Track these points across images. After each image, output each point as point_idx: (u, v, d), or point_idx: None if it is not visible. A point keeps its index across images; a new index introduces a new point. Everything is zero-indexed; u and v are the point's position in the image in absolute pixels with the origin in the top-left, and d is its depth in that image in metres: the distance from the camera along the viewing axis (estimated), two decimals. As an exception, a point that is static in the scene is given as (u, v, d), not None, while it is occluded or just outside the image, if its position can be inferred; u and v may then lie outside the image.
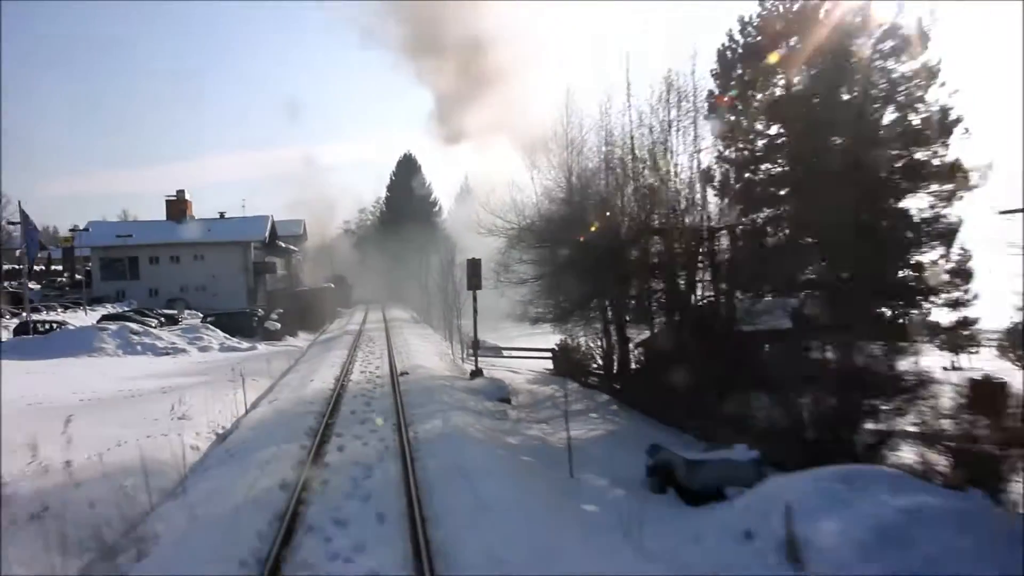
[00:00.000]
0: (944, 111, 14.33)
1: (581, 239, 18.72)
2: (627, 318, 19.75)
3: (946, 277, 13.66)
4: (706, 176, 19.89)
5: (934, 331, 13.18)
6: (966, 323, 13.01)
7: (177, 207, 59.50)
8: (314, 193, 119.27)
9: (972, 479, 8.11)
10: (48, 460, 9.28)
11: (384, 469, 9.13)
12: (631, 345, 20.50)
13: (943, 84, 14.50)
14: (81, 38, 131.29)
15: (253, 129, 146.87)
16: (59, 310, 42.21)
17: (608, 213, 18.31)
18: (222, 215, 61.52)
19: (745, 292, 17.77)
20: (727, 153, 19.48)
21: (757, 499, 7.56)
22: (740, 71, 20.36)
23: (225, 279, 52.58)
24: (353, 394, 15.72)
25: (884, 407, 11.53)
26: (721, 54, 20.68)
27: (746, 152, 19.19)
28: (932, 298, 13.77)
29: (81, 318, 38.18)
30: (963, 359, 19.95)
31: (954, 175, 13.33)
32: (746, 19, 20.27)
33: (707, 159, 19.47)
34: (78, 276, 61.36)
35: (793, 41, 17.97)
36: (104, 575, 6.86)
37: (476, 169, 68.95)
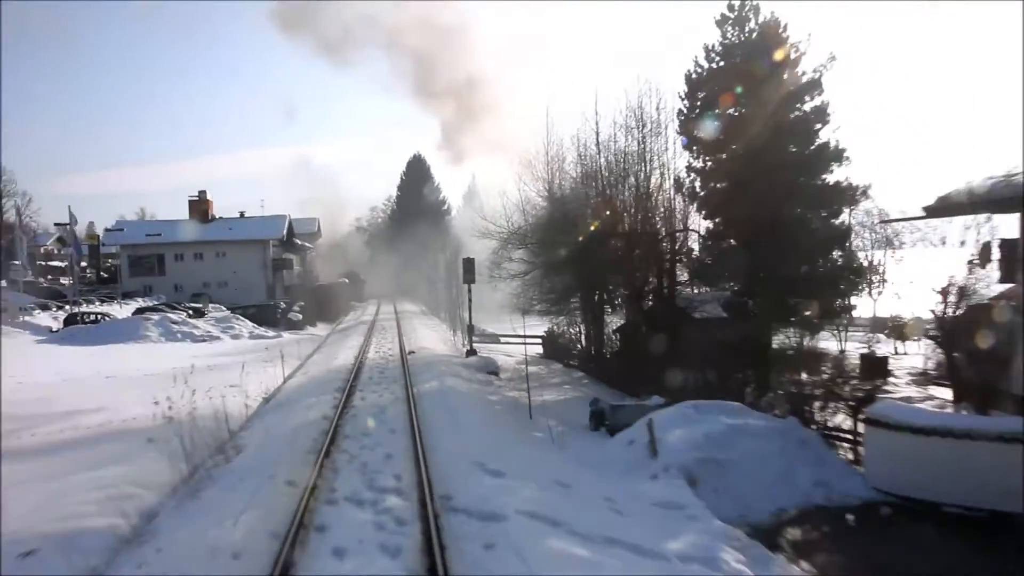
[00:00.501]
0: (836, 147, 18.22)
1: (559, 242, 22.56)
2: (600, 309, 23.61)
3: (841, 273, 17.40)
4: (678, 185, 23.76)
5: (826, 316, 16.95)
6: (846, 308, 16.73)
7: (199, 207, 63.60)
8: (326, 191, 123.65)
9: (793, 411, 11.92)
10: (140, 412, 13.19)
11: (394, 408, 13.05)
12: (610, 330, 24.35)
13: (837, 128, 18.44)
14: (92, 39, 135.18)
15: (263, 127, 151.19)
16: (96, 303, 46.41)
17: (581, 219, 22.13)
18: (242, 214, 65.64)
19: (706, 286, 21.60)
20: (695, 164, 23.31)
21: (642, 423, 11.40)
22: (703, 93, 24.29)
23: (246, 275, 56.50)
24: (370, 367, 19.70)
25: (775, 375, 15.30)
26: (688, 77, 24.58)
27: (706, 166, 23.06)
28: (830, 290, 17.52)
29: (117, 311, 42.39)
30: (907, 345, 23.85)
31: (843, 193, 17.04)
32: (710, 46, 24.19)
33: (682, 165, 23.30)
34: (103, 273, 65.97)
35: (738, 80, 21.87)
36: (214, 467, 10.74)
37: (482, 171, 72.92)
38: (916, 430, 9.33)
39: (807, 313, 16.65)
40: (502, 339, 31.56)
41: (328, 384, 16.38)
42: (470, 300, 25.26)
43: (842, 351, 16.71)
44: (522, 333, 30.82)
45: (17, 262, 71.16)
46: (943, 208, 11.11)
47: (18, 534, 7.08)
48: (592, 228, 20.85)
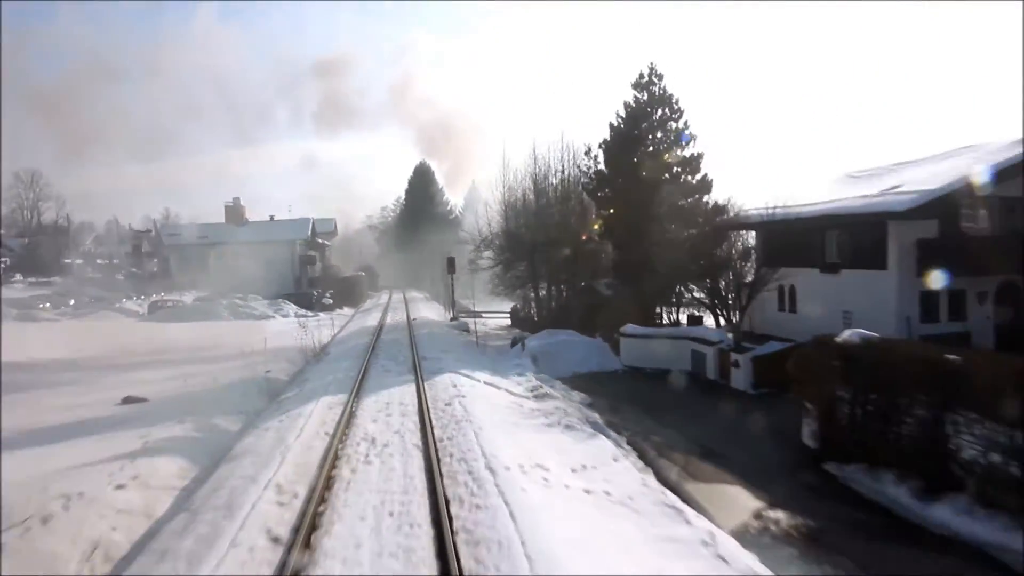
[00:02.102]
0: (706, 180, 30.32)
1: (513, 247, 34.54)
2: (537, 291, 35.64)
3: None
4: (587, 209, 35.63)
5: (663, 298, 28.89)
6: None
7: (235, 212, 76.15)
8: (336, 190, 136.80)
9: (602, 334, 23.97)
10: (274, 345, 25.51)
11: (403, 340, 25.31)
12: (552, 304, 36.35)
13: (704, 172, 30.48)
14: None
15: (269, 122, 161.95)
16: (162, 293, 58.99)
17: (526, 232, 34.10)
18: (272, 218, 78.05)
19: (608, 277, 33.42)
20: (599, 195, 35.17)
21: (529, 342, 23.45)
22: (615, 143, 36.14)
23: (277, 270, 68.61)
24: (388, 327, 32.00)
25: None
26: (612, 126, 36.42)
27: (606, 196, 34.87)
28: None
29: (186, 299, 54.97)
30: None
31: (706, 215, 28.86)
32: (627, 101, 35.95)
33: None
34: (153, 268, 78.66)
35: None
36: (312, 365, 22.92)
37: (480, 177, 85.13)
38: (635, 336, 21.43)
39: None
40: (483, 314, 43.68)
41: (364, 333, 28.74)
42: (452, 286, 37.48)
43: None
44: (496, 310, 43.08)
45: (79, 261, 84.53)
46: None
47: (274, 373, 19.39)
48: (538, 237, 32.75)
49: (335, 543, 6.82)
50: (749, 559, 6.99)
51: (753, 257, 25.53)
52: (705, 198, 31.93)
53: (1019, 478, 8.26)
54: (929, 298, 19.88)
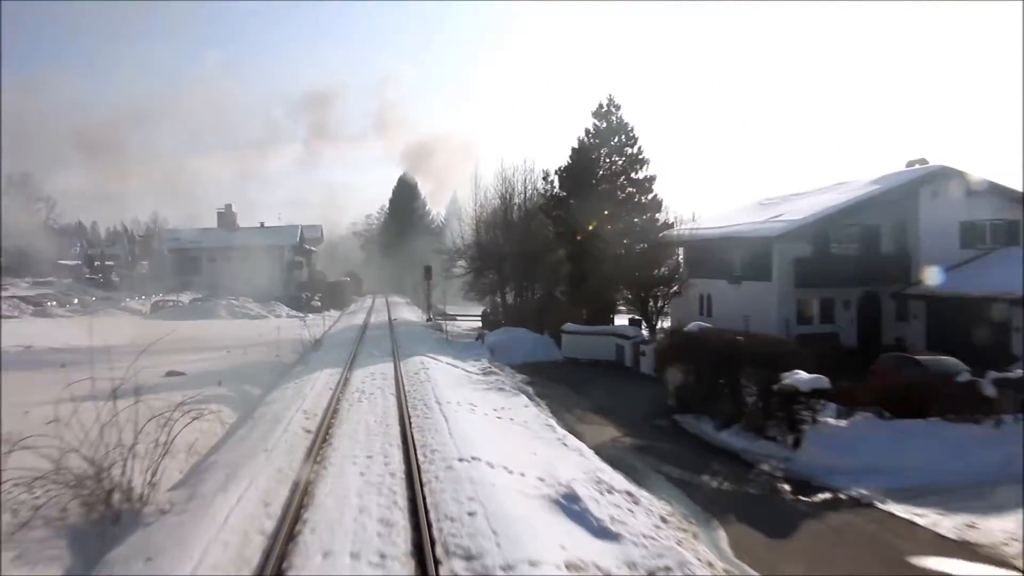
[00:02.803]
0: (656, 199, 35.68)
1: (482, 257, 39.77)
2: (509, 297, 40.87)
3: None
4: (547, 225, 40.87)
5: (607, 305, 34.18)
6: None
7: (226, 218, 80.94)
8: (324, 196, 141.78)
9: (550, 332, 29.19)
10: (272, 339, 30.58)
11: (385, 336, 30.40)
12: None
13: (655, 193, 35.83)
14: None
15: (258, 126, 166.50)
16: (161, 294, 63.63)
17: (494, 246, 39.34)
18: (262, 224, 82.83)
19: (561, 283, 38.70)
20: (554, 215, 40.44)
21: (488, 337, 28.61)
22: (575, 166, 41.44)
23: (267, 274, 73.29)
24: (372, 325, 37.13)
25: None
26: (573, 150, 41.72)
27: (560, 216, 40.10)
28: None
29: (183, 299, 59.69)
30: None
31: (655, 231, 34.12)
32: (588, 128, 41.26)
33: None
34: (143, 271, 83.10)
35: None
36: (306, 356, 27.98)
37: (461, 190, 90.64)
38: (573, 333, 26.70)
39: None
40: (457, 317, 48.82)
41: (352, 329, 33.86)
42: (429, 291, 42.70)
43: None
44: (469, 313, 48.25)
45: (78, 262, 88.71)
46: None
47: (281, 358, 24.49)
48: (503, 252, 38.03)
49: (343, 431, 12.00)
50: (583, 446, 12.21)
51: (680, 270, 30.98)
52: (657, 215, 37.38)
53: (761, 410, 13.56)
54: (804, 304, 25.29)
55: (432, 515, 7.62)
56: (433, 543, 6.79)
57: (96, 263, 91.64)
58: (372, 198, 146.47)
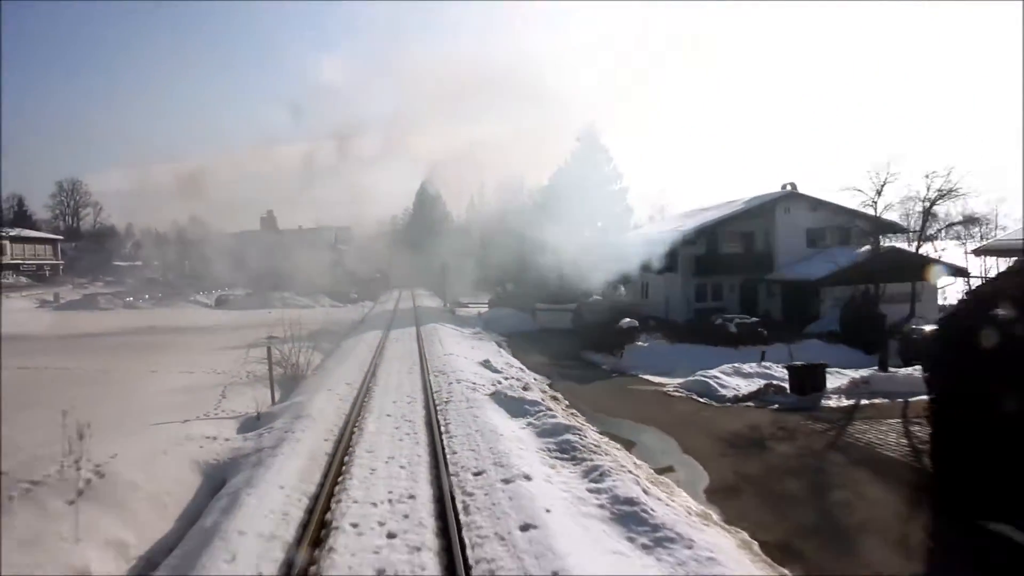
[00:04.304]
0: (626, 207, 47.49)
1: (489, 255, 51.85)
2: (509, 287, 52.90)
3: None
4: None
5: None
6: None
7: (269, 222, 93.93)
8: (352, 198, 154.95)
9: (531, 311, 41.15)
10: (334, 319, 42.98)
11: (410, 317, 42.64)
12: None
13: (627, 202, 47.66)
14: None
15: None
16: (222, 289, 76.49)
17: (495, 247, 51.34)
18: (300, 227, 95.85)
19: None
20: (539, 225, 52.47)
21: (484, 314, 40.66)
22: (558, 182, 53.38)
23: (307, 271, 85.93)
24: (400, 311, 49.42)
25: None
26: (559, 169, 53.70)
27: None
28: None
29: (240, 292, 72.50)
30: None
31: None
32: (571, 150, 53.19)
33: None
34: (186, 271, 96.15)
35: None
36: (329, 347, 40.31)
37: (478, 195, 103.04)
38: (543, 309, 38.77)
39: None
40: (469, 304, 60.88)
41: (385, 313, 46.30)
42: (444, 284, 54.91)
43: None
44: (480, 301, 60.45)
45: (139, 263, 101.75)
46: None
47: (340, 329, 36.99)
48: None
49: (388, 352, 24.22)
50: (512, 358, 24.22)
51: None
52: (630, 220, 49.26)
53: (611, 341, 25.51)
54: (700, 288, 36.92)
55: (428, 364, 19.85)
56: (428, 370, 18.95)
57: (156, 263, 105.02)
58: (398, 201, 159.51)
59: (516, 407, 14.60)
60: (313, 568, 7.03)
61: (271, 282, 79.49)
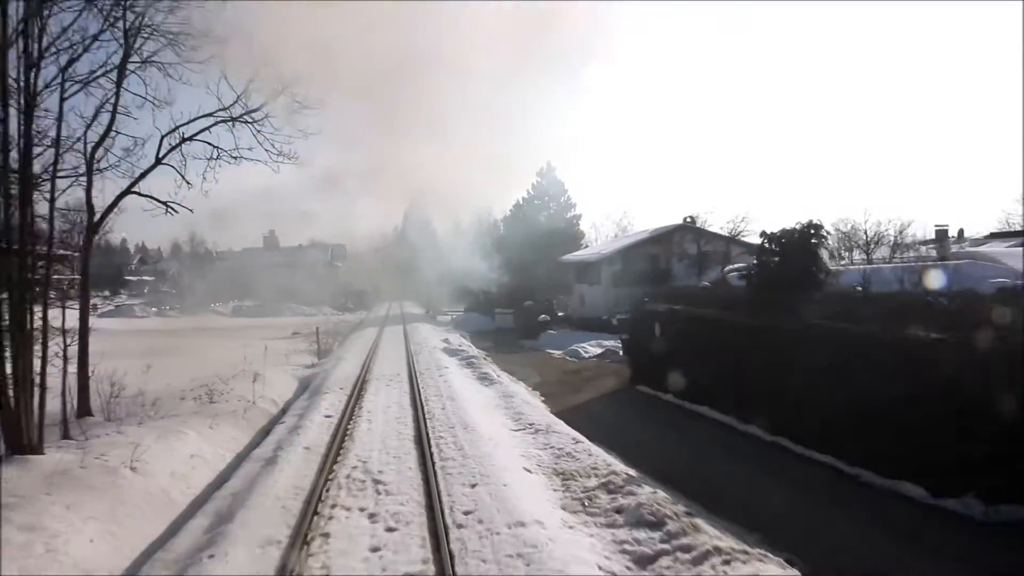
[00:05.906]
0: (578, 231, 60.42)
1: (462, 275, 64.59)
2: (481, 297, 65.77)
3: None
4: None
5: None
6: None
7: (271, 240, 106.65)
8: (344, 215, 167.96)
9: (492, 316, 54.00)
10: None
11: (398, 323, 55.40)
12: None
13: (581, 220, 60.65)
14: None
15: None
16: (236, 301, 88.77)
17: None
18: (300, 245, 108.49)
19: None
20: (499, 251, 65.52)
21: (456, 318, 53.44)
22: (519, 211, 66.53)
23: (307, 284, 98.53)
24: (391, 317, 62.14)
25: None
26: (519, 201, 66.83)
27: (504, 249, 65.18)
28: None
29: (247, 303, 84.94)
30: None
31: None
32: (533, 182, 66.33)
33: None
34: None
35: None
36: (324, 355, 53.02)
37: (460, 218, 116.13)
38: (500, 313, 51.69)
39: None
40: (448, 312, 73.56)
41: (378, 319, 59.11)
42: (428, 296, 67.74)
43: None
44: (455, 309, 73.36)
45: (152, 277, 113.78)
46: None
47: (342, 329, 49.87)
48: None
49: (383, 339, 37.11)
50: (463, 337, 37.07)
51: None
52: (582, 242, 62.36)
53: (534, 329, 38.43)
54: (618, 297, 49.70)
55: (411, 344, 32.75)
56: (409, 343, 31.85)
57: (171, 273, 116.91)
58: (387, 220, 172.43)
59: (459, 357, 27.54)
60: (359, 404, 19.77)
61: (279, 295, 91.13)
